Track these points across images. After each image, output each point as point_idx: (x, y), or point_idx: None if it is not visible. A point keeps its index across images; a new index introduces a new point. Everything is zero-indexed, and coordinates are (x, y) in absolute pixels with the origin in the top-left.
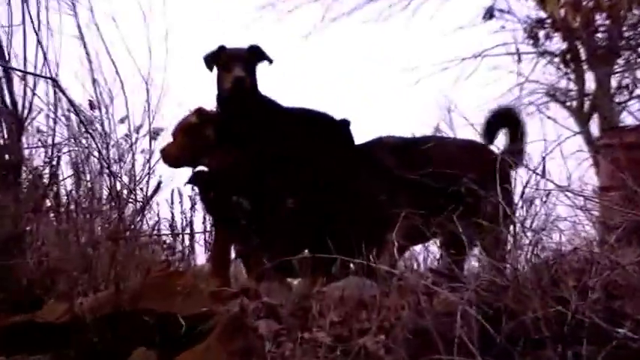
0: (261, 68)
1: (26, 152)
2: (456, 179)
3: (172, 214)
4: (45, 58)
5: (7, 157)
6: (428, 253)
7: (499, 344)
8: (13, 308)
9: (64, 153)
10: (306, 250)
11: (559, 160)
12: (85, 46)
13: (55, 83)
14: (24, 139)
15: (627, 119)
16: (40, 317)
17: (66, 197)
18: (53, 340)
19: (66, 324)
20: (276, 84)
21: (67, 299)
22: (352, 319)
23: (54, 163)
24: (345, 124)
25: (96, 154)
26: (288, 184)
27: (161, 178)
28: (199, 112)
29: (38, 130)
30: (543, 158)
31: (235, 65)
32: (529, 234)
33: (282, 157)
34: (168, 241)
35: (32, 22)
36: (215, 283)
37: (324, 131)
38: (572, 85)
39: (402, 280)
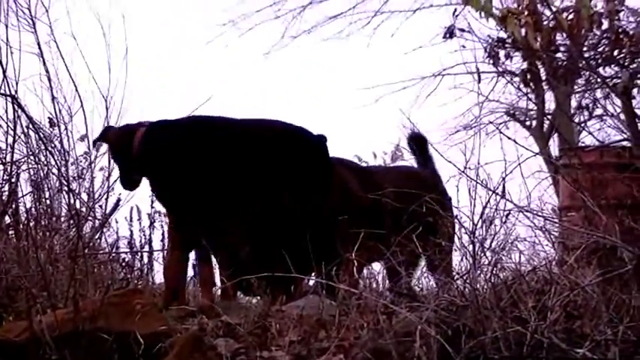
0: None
1: None
2: (412, 200)
3: (131, 231)
4: (4, 75)
5: None
6: (387, 272)
7: None
8: None
9: (23, 170)
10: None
11: (519, 179)
12: (44, 64)
13: (14, 100)
14: None
15: (587, 139)
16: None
17: (25, 214)
18: (11, 358)
19: (25, 342)
20: (237, 101)
21: (25, 317)
22: (311, 339)
23: (13, 180)
24: (322, 140)
25: (55, 171)
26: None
27: (120, 196)
28: None
29: None
30: (503, 178)
31: None
32: (488, 254)
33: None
34: (127, 259)
35: None
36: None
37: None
38: (532, 105)
39: (361, 300)
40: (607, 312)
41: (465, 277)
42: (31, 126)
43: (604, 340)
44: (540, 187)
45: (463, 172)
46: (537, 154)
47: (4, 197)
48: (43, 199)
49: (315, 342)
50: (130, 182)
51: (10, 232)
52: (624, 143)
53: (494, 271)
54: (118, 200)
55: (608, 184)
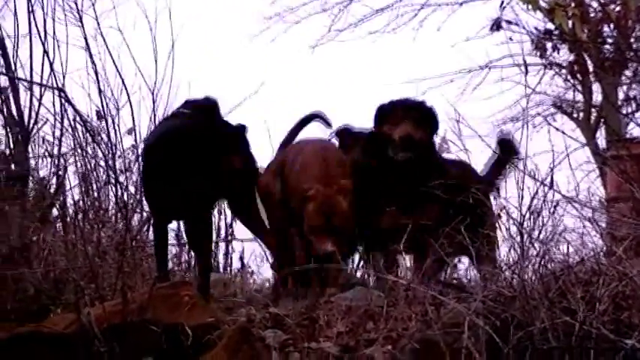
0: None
1: (32, 162)
2: (462, 190)
3: (178, 223)
4: (51, 69)
5: (13, 167)
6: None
7: (507, 355)
8: (19, 318)
9: (71, 163)
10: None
11: (566, 171)
12: (91, 57)
13: (62, 93)
14: (30, 150)
15: (634, 131)
16: (46, 327)
17: (73, 207)
18: (60, 350)
19: (73, 334)
20: (285, 94)
21: (73, 309)
22: (359, 330)
23: (60, 173)
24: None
25: (102, 164)
26: None
27: None
28: None
29: (44, 140)
30: (551, 169)
31: None
32: (536, 245)
33: None
34: (174, 251)
35: (39, 32)
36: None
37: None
38: (579, 97)
39: (409, 291)
40: None
41: (513, 268)
42: (78, 119)
43: None
44: (588, 179)
45: (511, 163)
46: (585, 145)
47: (52, 190)
48: (91, 192)
49: (363, 333)
50: None
51: (58, 225)
52: None
53: (542, 262)
54: None
55: None
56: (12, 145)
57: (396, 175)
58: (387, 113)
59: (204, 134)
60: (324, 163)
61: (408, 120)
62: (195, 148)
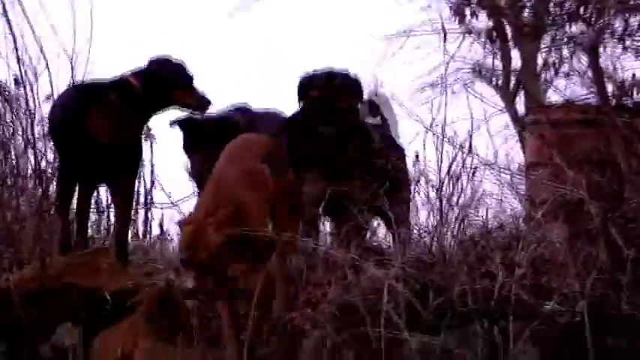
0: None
1: None
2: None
3: (98, 191)
4: None
5: None
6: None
7: (426, 319)
8: None
9: None
10: None
11: (486, 137)
12: (8, 23)
13: None
14: None
15: (553, 97)
16: None
17: None
18: None
19: None
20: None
21: None
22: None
23: None
24: None
25: (20, 131)
26: None
27: None
28: None
29: None
30: (470, 135)
31: None
32: (456, 210)
33: None
34: (93, 217)
35: None
36: None
37: None
38: (498, 63)
39: (328, 256)
40: (574, 266)
41: (432, 234)
42: None
43: (572, 294)
44: (507, 145)
45: (430, 129)
46: (504, 111)
47: None
48: (9, 159)
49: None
50: None
51: None
52: (590, 100)
53: (461, 227)
54: None
55: (574, 141)
56: None
57: (318, 145)
58: (310, 85)
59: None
60: (217, 184)
61: (330, 91)
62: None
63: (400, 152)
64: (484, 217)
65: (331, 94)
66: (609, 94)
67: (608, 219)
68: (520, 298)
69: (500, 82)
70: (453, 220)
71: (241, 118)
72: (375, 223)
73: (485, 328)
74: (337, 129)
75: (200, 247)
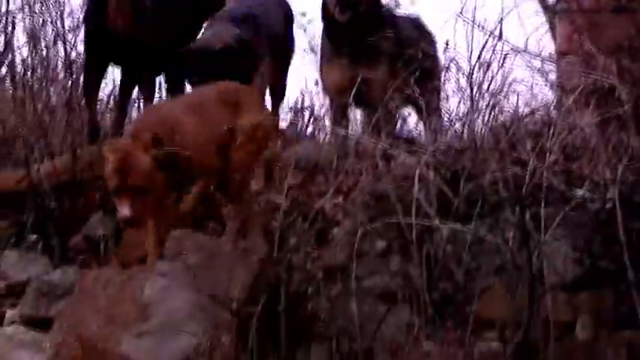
0: None
1: None
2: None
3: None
4: None
5: None
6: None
7: (457, 206)
8: None
9: (19, 21)
10: None
11: (516, 24)
12: None
13: None
14: None
15: None
16: None
17: (21, 65)
18: (10, 206)
19: (23, 190)
20: None
21: (23, 166)
22: (310, 183)
23: (8, 31)
24: None
25: (50, 22)
26: None
27: None
28: None
29: None
30: (500, 20)
31: None
32: (486, 97)
33: None
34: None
35: None
36: None
37: None
38: None
39: (358, 144)
40: (605, 153)
41: (463, 121)
42: None
43: (603, 181)
44: (538, 33)
45: (460, 15)
46: None
47: None
48: (39, 50)
49: (314, 187)
50: None
51: (7, 83)
52: None
53: (492, 114)
54: None
55: (605, 27)
56: None
57: (340, 34)
58: None
59: None
60: (152, 112)
61: None
62: None
63: (430, 39)
64: (515, 104)
65: None
66: None
67: (638, 105)
68: (551, 184)
69: None
70: (484, 107)
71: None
72: (406, 112)
73: (517, 215)
74: (352, 15)
75: (131, 171)
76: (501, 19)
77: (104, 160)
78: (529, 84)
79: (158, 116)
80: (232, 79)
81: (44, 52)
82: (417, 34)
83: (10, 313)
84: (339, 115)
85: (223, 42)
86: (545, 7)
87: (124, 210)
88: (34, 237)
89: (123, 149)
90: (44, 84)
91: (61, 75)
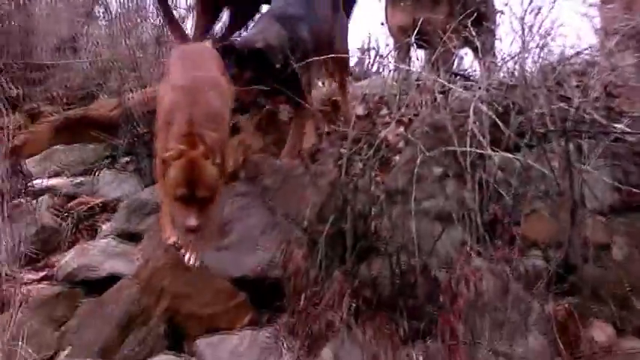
0: None
1: None
2: None
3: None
4: None
5: None
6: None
7: (508, 137)
8: (68, 103)
9: None
10: None
11: None
12: None
13: None
14: None
15: None
16: (92, 111)
17: (116, 3)
18: (106, 131)
19: (117, 117)
20: None
21: (117, 95)
22: (375, 115)
23: None
24: None
25: None
26: None
27: None
28: None
29: None
30: None
31: None
32: (537, 38)
33: None
34: None
35: None
36: None
37: None
38: None
39: (419, 80)
40: None
41: (515, 59)
42: None
43: None
44: None
45: None
46: None
47: None
48: None
49: (378, 118)
50: None
51: (103, 20)
52: None
53: (541, 54)
54: None
55: None
56: None
57: None
58: None
59: None
60: (190, 97)
61: None
62: None
63: None
64: (562, 45)
65: None
66: None
67: None
68: (593, 119)
69: None
70: (534, 48)
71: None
72: (463, 52)
73: (561, 146)
74: None
75: (200, 183)
76: None
77: (165, 164)
78: (575, 28)
79: (204, 111)
80: (272, 77)
81: None
82: None
83: (104, 227)
84: (403, 54)
85: (265, 41)
86: None
87: (192, 221)
88: (126, 159)
89: (190, 159)
90: (137, 21)
91: (152, 14)
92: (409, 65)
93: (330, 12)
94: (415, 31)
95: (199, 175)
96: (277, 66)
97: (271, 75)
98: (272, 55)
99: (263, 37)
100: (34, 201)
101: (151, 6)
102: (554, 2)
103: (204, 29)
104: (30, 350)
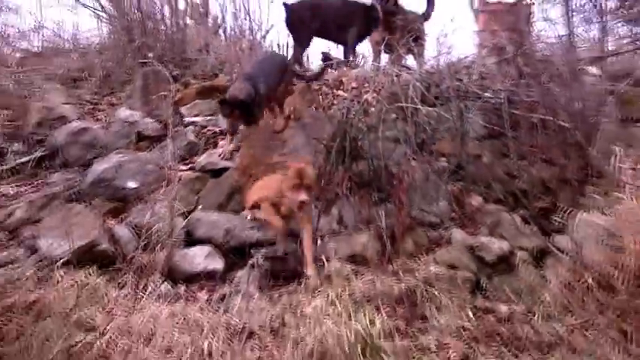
0: None
1: None
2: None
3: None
4: None
5: None
6: None
7: (430, 99)
8: (204, 79)
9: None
10: None
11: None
12: None
13: None
14: None
15: None
16: (216, 82)
17: (230, 29)
18: (221, 93)
19: (227, 86)
20: None
21: (228, 75)
22: (361, 88)
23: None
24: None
25: None
26: None
27: None
28: None
29: None
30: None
31: None
32: (444, 49)
33: None
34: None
35: None
36: None
37: None
38: None
39: (385, 69)
40: (499, 76)
41: (434, 59)
42: None
43: (497, 90)
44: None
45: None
46: None
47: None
48: (238, 19)
49: (363, 89)
50: None
51: (222, 36)
52: None
53: (447, 57)
54: None
55: (502, 17)
56: None
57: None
58: None
59: None
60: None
61: None
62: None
63: (421, 20)
64: (458, 53)
65: None
66: None
67: (517, 54)
68: (474, 90)
69: None
70: (444, 53)
71: None
72: (407, 56)
73: (457, 104)
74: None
75: (307, 179)
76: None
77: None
78: (466, 43)
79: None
80: (247, 111)
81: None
82: (414, 17)
83: (220, 143)
84: (376, 56)
85: (243, 94)
86: (473, 9)
87: (303, 196)
88: None
89: (300, 170)
90: (240, 37)
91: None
92: (379, 62)
93: (278, 72)
94: (383, 44)
95: (305, 175)
96: (249, 105)
97: (247, 111)
98: (247, 101)
99: (243, 92)
100: (185, 128)
101: (247, 30)
102: (454, 31)
103: (299, 55)
104: (182, 206)
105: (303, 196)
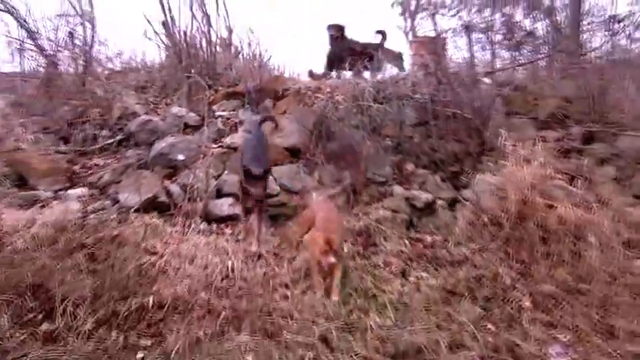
0: None
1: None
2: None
3: None
4: None
5: None
6: None
7: (378, 99)
8: (227, 86)
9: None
10: None
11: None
12: None
13: None
14: None
15: None
16: (237, 88)
17: (244, 52)
18: (242, 97)
19: (245, 91)
20: None
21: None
22: (334, 92)
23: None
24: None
25: None
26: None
27: None
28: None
29: None
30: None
31: None
32: (389, 69)
33: None
34: None
35: None
36: None
37: None
38: None
39: (349, 80)
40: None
41: (383, 74)
42: None
43: (414, 92)
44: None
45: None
46: None
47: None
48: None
49: (334, 92)
50: None
51: (241, 58)
52: None
53: (392, 73)
54: None
55: (427, 45)
56: None
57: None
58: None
59: None
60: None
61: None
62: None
63: (373, 47)
64: (398, 75)
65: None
66: None
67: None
68: (407, 93)
69: None
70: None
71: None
72: (365, 71)
73: (397, 103)
74: (335, 47)
75: (334, 245)
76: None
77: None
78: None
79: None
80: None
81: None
82: (367, 44)
83: (240, 130)
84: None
85: (255, 167)
86: (408, 40)
87: (332, 258)
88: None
89: (329, 239)
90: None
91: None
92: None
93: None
94: (347, 61)
95: (333, 242)
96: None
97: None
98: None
99: (254, 165)
100: (216, 119)
101: (257, 55)
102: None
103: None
104: (214, 171)
105: (332, 259)
